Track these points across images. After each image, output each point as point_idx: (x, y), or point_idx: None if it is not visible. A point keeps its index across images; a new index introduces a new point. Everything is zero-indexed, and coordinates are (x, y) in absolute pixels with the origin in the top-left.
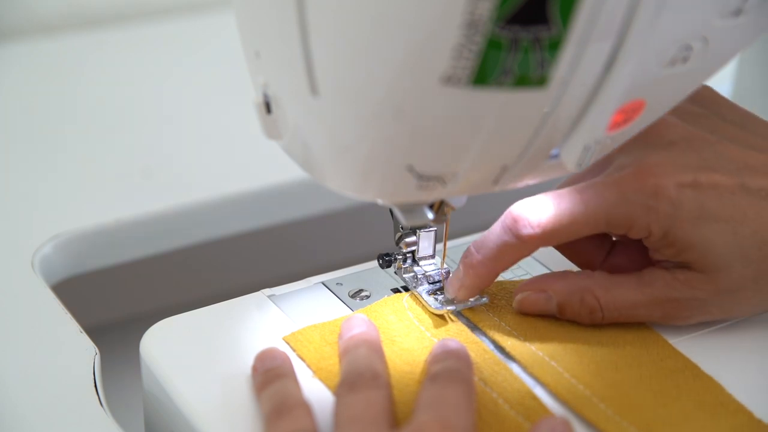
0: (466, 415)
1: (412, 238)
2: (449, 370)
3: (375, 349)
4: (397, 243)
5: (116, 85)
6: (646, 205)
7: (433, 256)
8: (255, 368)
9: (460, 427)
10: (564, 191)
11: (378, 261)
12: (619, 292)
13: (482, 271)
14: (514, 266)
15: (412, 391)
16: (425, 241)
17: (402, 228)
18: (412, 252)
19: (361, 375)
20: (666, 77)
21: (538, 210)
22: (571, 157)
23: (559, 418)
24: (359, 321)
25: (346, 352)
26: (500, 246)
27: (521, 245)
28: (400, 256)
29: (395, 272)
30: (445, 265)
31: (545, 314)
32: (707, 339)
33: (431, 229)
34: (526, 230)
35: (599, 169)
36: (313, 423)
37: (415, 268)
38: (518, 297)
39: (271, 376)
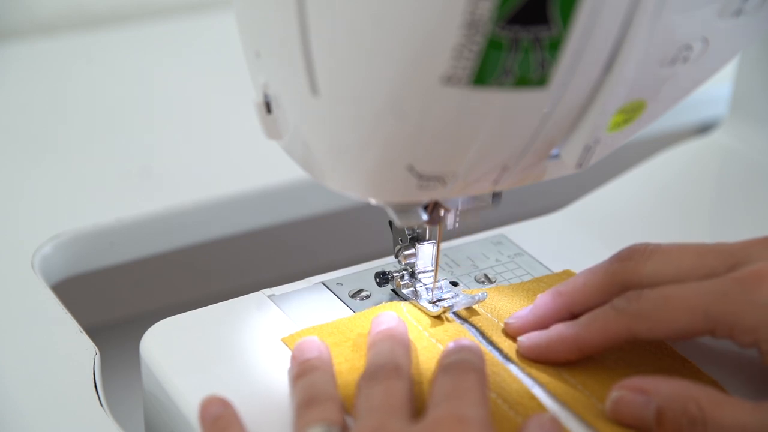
0: (480, 406)
1: (411, 251)
2: (461, 360)
3: (401, 343)
4: (396, 256)
5: (116, 84)
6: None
7: (432, 270)
8: (294, 357)
9: (476, 420)
10: None
11: (375, 280)
12: (730, 409)
13: None
14: (514, 266)
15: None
16: (424, 255)
17: (401, 241)
18: (411, 265)
19: (383, 367)
20: (666, 77)
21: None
22: (572, 156)
23: (547, 415)
24: (388, 317)
25: (372, 347)
26: None
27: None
28: (398, 274)
29: (392, 290)
30: (444, 279)
31: (636, 424)
32: (707, 339)
33: (430, 242)
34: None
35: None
36: (341, 416)
37: (417, 285)
38: (614, 396)
39: (306, 367)
